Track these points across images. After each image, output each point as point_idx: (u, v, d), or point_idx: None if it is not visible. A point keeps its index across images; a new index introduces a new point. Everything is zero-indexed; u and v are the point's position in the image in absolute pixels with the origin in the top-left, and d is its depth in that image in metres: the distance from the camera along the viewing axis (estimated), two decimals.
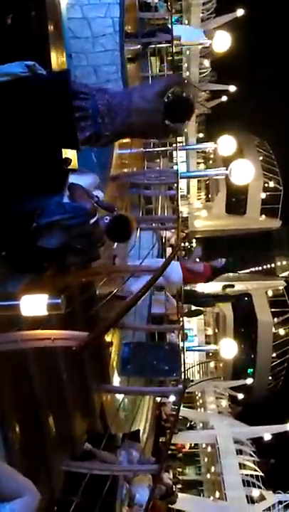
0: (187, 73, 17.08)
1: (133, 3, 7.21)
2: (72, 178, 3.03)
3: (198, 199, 24.94)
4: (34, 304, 2.18)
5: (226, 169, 6.98)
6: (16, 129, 2.47)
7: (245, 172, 6.65)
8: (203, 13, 15.24)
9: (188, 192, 23.41)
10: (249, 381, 17.99)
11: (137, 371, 4.28)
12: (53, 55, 4.18)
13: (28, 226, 2.61)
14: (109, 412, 4.38)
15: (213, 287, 20.21)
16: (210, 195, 25.11)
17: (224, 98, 18.62)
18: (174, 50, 7.93)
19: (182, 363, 4.24)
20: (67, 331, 2.27)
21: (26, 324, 2.32)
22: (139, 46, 7.82)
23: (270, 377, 23.59)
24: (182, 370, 4.22)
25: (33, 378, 2.90)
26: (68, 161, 2.91)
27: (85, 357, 3.49)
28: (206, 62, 17.54)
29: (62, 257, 2.79)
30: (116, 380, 4.84)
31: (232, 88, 17.06)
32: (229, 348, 8.43)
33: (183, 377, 4.54)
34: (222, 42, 8.27)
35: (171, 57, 8.65)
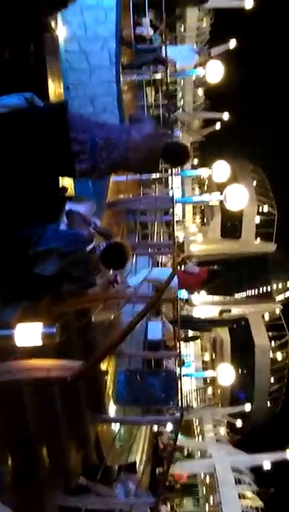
0: (181, 102, 17.50)
1: (129, 36, 7.45)
2: (69, 206, 3.07)
3: (194, 223, 25.13)
4: (28, 334, 2.16)
5: (221, 194, 7.10)
6: (14, 158, 2.51)
7: (239, 197, 6.76)
8: (196, 44, 15.75)
9: (183, 217, 23.60)
10: (247, 407, 17.68)
11: (132, 400, 4.21)
12: (51, 87, 4.29)
13: (24, 253, 2.62)
14: (104, 442, 4.28)
15: (210, 312, 20.17)
16: (205, 220, 25.32)
17: (218, 126, 19.02)
18: (168, 81, 8.16)
19: (179, 390, 4.17)
20: (62, 360, 2.25)
21: (21, 353, 2.29)
22: (135, 76, 8.06)
23: (268, 403, 23.24)
24: (179, 397, 4.15)
25: (26, 408, 2.84)
26: (64, 189, 2.95)
27: (80, 386, 3.44)
28: (200, 91, 18.00)
29: (59, 284, 2.79)
30: (112, 409, 4.75)
31: (225, 116, 17.45)
32: (227, 374, 8.35)
33: (180, 405, 4.46)
34: (215, 72, 8.51)
35: (166, 87, 8.86)
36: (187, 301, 20.75)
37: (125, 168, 2.91)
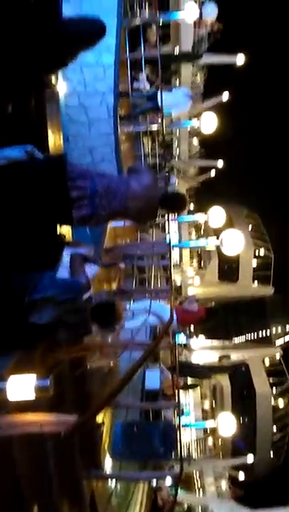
0: (177, 151, 18.08)
1: (126, 90, 7.81)
2: (68, 251, 3.08)
3: (191, 267, 25.20)
4: (21, 387, 2.10)
5: (217, 239, 7.17)
6: (13, 208, 2.55)
7: (235, 242, 6.83)
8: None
9: (180, 260, 23.71)
10: (250, 459, 16.93)
11: (130, 454, 4.02)
12: (51, 139, 4.44)
13: (20, 302, 2.59)
14: (100, 499, 4.04)
15: (209, 357, 19.77)
16: (202, 263, 25.43)
17: (213, 173, 19.57)
18: (164, 131, 8.47)
19: (178, 443, 4.00)
20: (56, 414, 2.16)
21: (13, 406, 2.21)
22: (132, 127, 8.37)
23: (271, 453, 22.29)
24: (178, 450, 3.97)
25: (17, 464, 2.70)
26: (62, 236, 2.97)
27: (74, 440, 3.30)
28: (195, 141, 18.65)
29: (54, 332, 2.74)
30: (108, 463, 4.53)
31: (220, 164, 18.00)
32: (228, 424, 8.05)
33: (180, 458, 4.26)
34: (209, 123, 8.86)
35: (162, 137, 9.17)
36: (186, 346, 20.42)
37: (124, 217, 2.98)
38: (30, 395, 2.05)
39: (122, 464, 4.20)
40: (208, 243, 7.51)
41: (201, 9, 8.96)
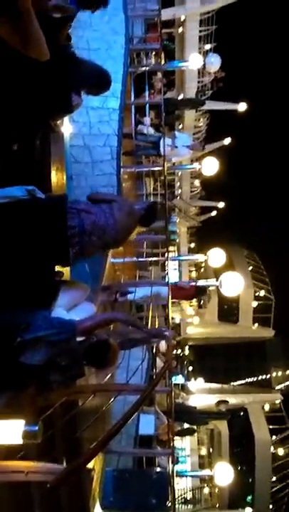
0: (179, 191, 18.43)
1: (130, 133, 8.06)
2: (63, 291, 3.04)
3: (191, 305, 25.01)
4: (9, 431, 2.02)
5: (216, 280, 7.15)
6: (11, 245, 2.55)
7: (235, 284, 6.79)
8: (193, 141, 17.02)
9: None
10: (248, 511, 16.09)
11: (120, 505, 3.81)
12: (55, 177, 4.53)
13: (11, 340, 2.54)
14: None
15: (207, 400, 19.22)
16: (202, 302, 25.27)
17: (214, 213, 19.84)
18: (166, 173, 8.65)
19: (172, 495, 3.80)
20: (43, 463, 2.06)
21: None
22: (134, 168, 8.57)
23: (270, 505, 21.18)
24: (172, 503, 3.77)
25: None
26: (60, 274, 2.96)
27: (62, 488, 3.14)
28: (197, 182, 19.05)
29: (45, 373, 2.66)
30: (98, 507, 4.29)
31: (220, 204, 18.28)
32: (225, 474, 7.66)
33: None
34: (210, 167, 9.05)
35: (164, 178, 9.33)
36: (183, 388, 19.91)
37: (115, 246, 3.02)
38: (17, 440, 1.97)
39: None
40: (208, 284, 7.47)
41: (204, 59, 9.37)
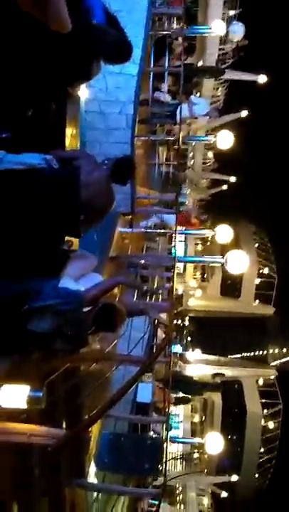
0: (192, 161, 18.11)
1: (146, 99, 7.85)
2: (71, 261, 3.07)
3: (194, 278, 25.12)
4: (14, 396, 2.09)
5: (222, 257, 7.16)
6: (24, 212, 2.56)
7: (240, 262, 6.81)
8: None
9: (184, 270, 23.63)
10: (234, 478, 16.75)
11: (114, 466, 3.98)
12: (68, 142, 4.46)
13: (20, 307, 2.59)
14: (80, 508, 4.01)
15: (204, 370, 19.60)
16: (205, 276, 25.35)
17: (225, 187, 19.57)
18: (180, 144, 8.48)
19: (165, 460, 3.97)
20: (45, 427, 2.15)
21: (3, 413, 2.20)
22: (149, 137, 8.41)
23: (256, 475, 22.05)
24: (163, 469, 3.93)
25: None
26: (70, 243, 2.97)
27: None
28: (210, 154, 18.69)
29: (51, 341, 2.73)
30: (92, 472, 4.49)
31: (232, 179, 18.01)
32: (215, 443, 7.97)
33: (164, 476, 4.23)
34: (226, 140, 8.87)
35: (177, 146, 9.14)
36: (181, 357, 20.33)
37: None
38: (22, 405, 2.04)
39: (106, 474, 4.17)
40: (214, 261, 7.48)
41: (228, 26, 8.99)
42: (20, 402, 2.04)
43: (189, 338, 25.64)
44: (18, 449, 2.33)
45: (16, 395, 2.07)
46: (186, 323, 26.06)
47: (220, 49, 13.53)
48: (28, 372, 2.66)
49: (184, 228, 8.94)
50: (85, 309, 2.72)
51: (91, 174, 2.65)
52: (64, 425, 3.32)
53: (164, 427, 4.70)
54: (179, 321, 23.97)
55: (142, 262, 6.53)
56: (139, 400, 4.83)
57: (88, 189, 2.57)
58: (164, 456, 4.20)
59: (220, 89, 16.44)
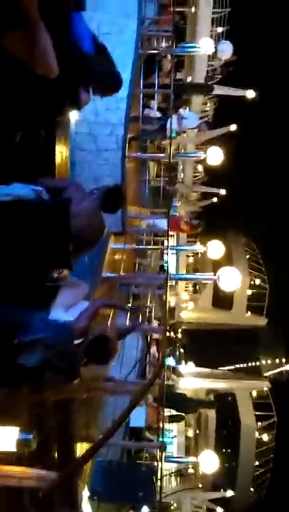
0: (182, 175, 18.22)
1: (136, 117, 7.89)
2: (62, 290, 3.02)
3: (186, 290, 25.12)
4: (3, 438, 2.02)
5: (214, 274, 7.15)
6: (13, 244, 2.51)
7: (232, 279, 6.78)
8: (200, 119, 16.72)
9: (176, 283, 23.64)
10: (229, 493, 16.53)
11: (108, 495, 3.89)
12: (58, 164, 4.43)
13: (8, 341, 2.53)
14: None
15: (197, 384, 19.42)
16: (197, 288, 25.37)
17: (215, 199, 19.69)
18: (171, 160, 8.52)
19: (159, 490, 3.88)
20: (36, 469, 2.07)
21: None
22: (139, 153, 8.45)
23: (251, 489, 21.82)
24: (158, 497, 3.84)
25: None
26: (59, 276, 2.92)
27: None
28: (200, 167, 18.82)
29: (41, 374, 2.66)
30: (85, 503, 4.38)
31: (222, 191, 18.14)
32: (210, 461, 7.84)
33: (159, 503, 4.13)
34: (215, 156, 8.92)
35: (168, 161, 9.17)
36: (174, 371, 20.20)
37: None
38: (11, 448, 1.97)
39: (99, 505, 4.07)
40: (206, 278, 7.47)
41: (216, 45, 9.12)
42: (10, 445, 1.97)
43: (182, 350, 25.54)
44: (10, 492, 2.25)
45: (5, 438, 2.00)
46: (179, 335, 25.99)
47: (208, 65, 13.71)
48: (17, 406, 2.59)
49: (175, 233, 9.05)
50: (76, 341, 2.66)
51: (80, 204, 2.61)
52: (56, 453, 3.23)
53: (159, 455, 4.61)
54: (172, 334, 23.90)
55: (134, 281, 6.50)
56: (133, 425, 4.75)
57: (78, 220, 2.54)
58: (160, 474, 4.11)
59: (209, 104, 16.62)
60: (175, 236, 20.39)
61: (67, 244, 2.45)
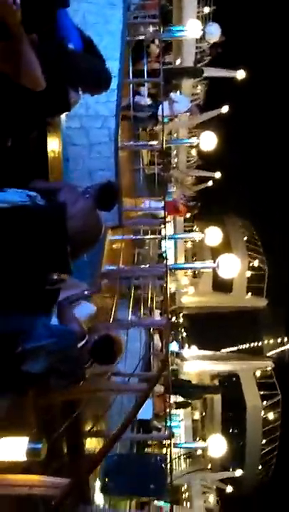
0: (176, 160, 18.06)
1: (127, 104, 7.77)
2: (62, 292, 3.00)
3: (185, 275, 25.15)
4: (13, 448, 2.02)
5: (213, 261, 7.15)
6: (11, 251, 2.48)
7: (232, 266, 6.79)
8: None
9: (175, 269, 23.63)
10: (238, 473, 16.87)
11: (120, 489, 3.94)
12: (51, 160, 4.37)
13: (12, 349, 2.52)
14: None
15: (200, 367, 19.59)
16: (197, 272, 25.37)
17: (210, 183, 19.58)
18: (164, 147, 8.43)
19: (169, 480, 3.93)
20: (47, 476, 2.08)
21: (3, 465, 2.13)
22: (132, 142, 8.34)
23: (260, 467, 22.23)
24: (169, 488, 3.90)
25: None
26: (58, 280, 2.89)
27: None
28: (194, 151, 18.65)
29: (45, 379, 2.67)
30: (97, 496, 4.44)
31: (217, 175, 18.02)
32: (218, 445, 7.99)
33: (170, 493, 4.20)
34: (208, 141, 8.85)
35: (161, 148, 9.07)
36: (178, 355, 20.37)
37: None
38: (21, 457, 1.98)
39: (111, 498, 4.13)
40: (205, 266, 7.46)
41: (203, 28, 8.94)
42: (19, 454, 1.98)
43: (184, 334, 25.72)
44: (20, 501, 2.27)
45: (14, 448, 2.00)
46: (181, 320, 26.14)
47: (197, 47, 13.46)
48: (25, 413, 2.60)
49: (172, 218, 8.97)
50: (79, 344, 2.66)
51: (75, 206, 2.58)
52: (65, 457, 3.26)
53: (168, 446, 4.64)
54: (174, 319, 24.04)
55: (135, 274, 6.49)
56: (140, 417, 4.79)
57: (73, 221, 2.51)
58: (170, 473, 4.16)
59: (199, 86, 16.38)
60: (172, 222, 20.38)
61: (65, 250, 2.42)
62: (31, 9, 1.62)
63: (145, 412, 4.99)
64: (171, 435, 4.32)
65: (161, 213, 6.86)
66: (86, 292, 3.11)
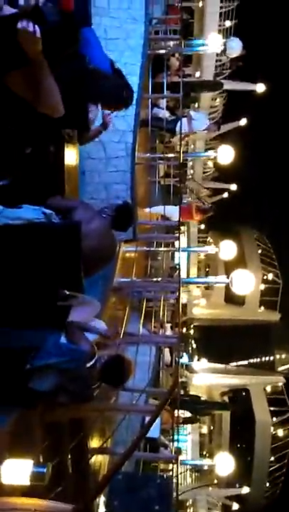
0: (192, 171, 18.07)
1: (145, 119, 7.80)
2: (74, 308, 2.98)
3: (198, 287, 24.99)
4: (17, 471, 2.00)
5: (227, 277, 7.07)
6: (24, 267, 2.48)
7: (245, 282, 6.70)
8: (209, 120, 16.54)
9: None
10: (245, 490, 16.54)
11: (125, 509, 3.87)
12: (67, 173, 4.39)
13: (21, 365, 2.51)
14: None
15: (210, 380, 19.32)
16: (209, 284, 25.15)
17: (225, 195, 19.51)
18: (181, 160, 8.42)
19: (175, 501, 3.84)
20: (51, 501, 2.05)
21: (7, 488, 2.11)
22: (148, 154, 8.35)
23: (267, 484, 21.77)
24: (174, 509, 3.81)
25: None
26: (70, 297, 2.88)
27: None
28: (210, 163, 18.64)
29: (53, 397, 2.64)
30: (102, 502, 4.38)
31: (233, 187, 17.95)
32: (225, 464, 7.85)
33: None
34: (226, 155, 8.81)
35: (178, 162, 9.06)
36: (187, 367, 20.19)
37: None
38: (25, 481, 1.95)
39: None
40: (219, 281, 7.40)
41: (224, 41, 8.96)
42: (23, 478, 1.95)
43: (195, 346, 25.49)
44: None
45: (18, 471, 1.98)
46: (191, 332, 25.94)
47: (217, 60, 13.50)
48: (31, 434, 2.57)
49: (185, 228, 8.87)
50: (88, 364, 2.64)
51: (89, 225, 2.59)
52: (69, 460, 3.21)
53: (174, 468, 4.55)
54: (184, 330, 23.88)
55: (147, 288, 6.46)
56: (148, 436, 4.72)
57: (88, 241, 2.51)
58: (176, 494, 4.07)
59: (218, 99, 16.40)
60: (186, 233, 20.32)
61: (79, 268, 2.41)
62: (55, 36, 1.63)
63: (153, 431, 4.92)
64: (178, 452, 4.24)
65: (176, 220, 6.96)
66: (103, 332, 3.08)
